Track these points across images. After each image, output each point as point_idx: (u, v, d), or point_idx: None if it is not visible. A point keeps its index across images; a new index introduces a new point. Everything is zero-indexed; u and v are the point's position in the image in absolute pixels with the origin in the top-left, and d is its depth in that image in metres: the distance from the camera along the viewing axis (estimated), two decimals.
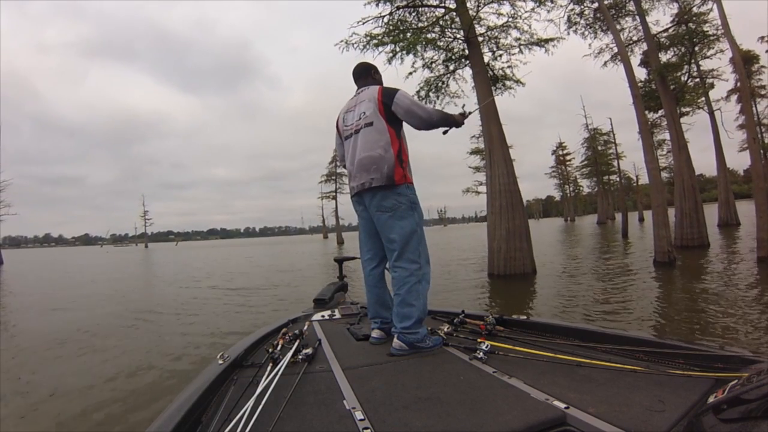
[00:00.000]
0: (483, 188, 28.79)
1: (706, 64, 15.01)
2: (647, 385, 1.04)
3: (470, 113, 1.90)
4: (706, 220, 12.05)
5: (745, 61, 21.39)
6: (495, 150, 8.60)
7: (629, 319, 4.69)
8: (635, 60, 15.66)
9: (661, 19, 13.97)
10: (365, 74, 1.97)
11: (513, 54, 9.72)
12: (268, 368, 1.31)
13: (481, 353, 1.36)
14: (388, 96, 1.76)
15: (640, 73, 17.29)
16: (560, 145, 44.07)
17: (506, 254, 8.16)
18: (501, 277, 8.12)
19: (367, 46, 9.80)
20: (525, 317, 1.76)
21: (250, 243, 62.05)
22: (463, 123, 1.88)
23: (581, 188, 48.53)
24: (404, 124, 1.81)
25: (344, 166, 1.94)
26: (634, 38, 14.03)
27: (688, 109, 16.43)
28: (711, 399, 0.78)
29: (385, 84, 1.97)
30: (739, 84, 24.38)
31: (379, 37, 9.52)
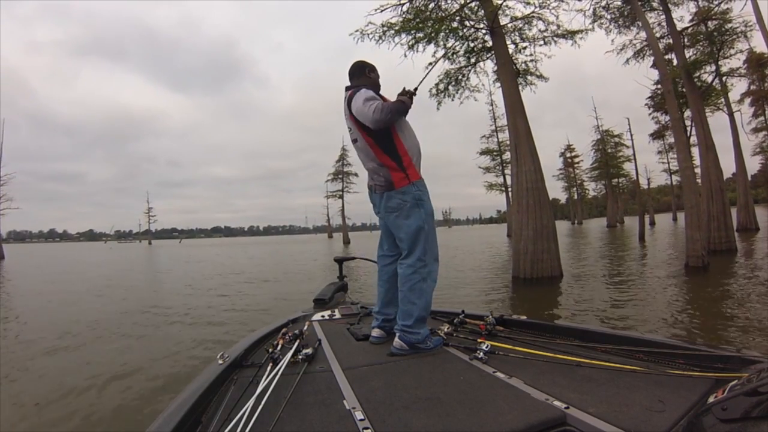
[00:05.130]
0: (504, 185, 28.35)
1: (724, 64, 14.62)
2: (647, 385, 1.03)
3: (416, 89, 1.75)
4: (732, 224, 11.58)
5: (758, 64, 20.92)
6: (521, 144, 8.13)
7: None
8: (649, 61, 15.28)
9: (683, 17, 13.35)
10: (358, 73, 1.87)
11: (539, 45, 9.26)
12: (268, 368, 1.29)
13: (481, 353, 1.35)
14: (350, 103, 1.71)
15: (653, 75, 16.87)
16: (568, 147, 43.53)
17: (533, 256, 7.67)
18: (527, 280, 7.62)
19: (384, 37, 9.39)
20: (525, 317, 1.74)
21: (251, 242, 61.47)
22: (411, 103, 1.73)
23: (587, 191, 47.92)
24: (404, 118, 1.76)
25: None
26: (657, 35, 13.57)
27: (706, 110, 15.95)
28: (711, 399, 0.77)
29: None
30: (752, 87, 24.05)
31: (398, 27, 9.08)
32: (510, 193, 28.54)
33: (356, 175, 35.83)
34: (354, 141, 1.80)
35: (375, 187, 1.78)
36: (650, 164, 71.99)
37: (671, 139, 32.23)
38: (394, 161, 1.70)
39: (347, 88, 1.81)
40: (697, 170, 11.85)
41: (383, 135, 1.70)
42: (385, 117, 1.62)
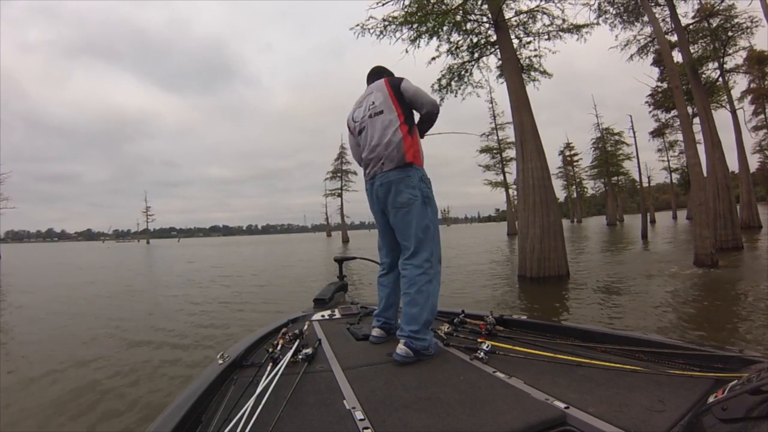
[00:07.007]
0: (504, 183, 28.17)
1: (728, 61, 14.51)
2: (647, 385, 1.03)
3: None
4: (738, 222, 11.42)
5: (758, 62, 20.80)
6: (527, 141, 7.94)
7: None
8: (649, 58, 15.16)
9: (686, 13, 13.20)
10: (380, 77, 1.89)
11: (546, 39, 9.08)
12: (268, 368, 1.29)
13: (481, 353, 1.34)
14: (394, 83, 1.77)
15: (654, 73, 16.75)
16: (567, 146, 43.43)
17: (540, 254, 7.49)
18: (534, 279, 7.44)
19: (385, 31, 9.19)
20: (525, 317, 1.75)
21: (248, 241, 61.16)
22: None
23: (586, 189, 47.86)
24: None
25: (360, 163, 1.89)
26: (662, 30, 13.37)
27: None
28: (711, 399, 0.77)
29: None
30: (753, 84, 23.93)
31: (400, 20, 8.87)
32: (511, 191, 28.45)
33: (355, 173, 35.68)
34: (379, 113, 1.76)
35: (381, 166, 1.69)
36: (649, 162, 72.35)
37: (671, 137, 32.22)
38: (408, 134, 1.71)
39: (379, 75, 1.92)
40: (703, 167, 11.73)
41: (408, 114, 1.74)
42: (437, 108, 1.81)
